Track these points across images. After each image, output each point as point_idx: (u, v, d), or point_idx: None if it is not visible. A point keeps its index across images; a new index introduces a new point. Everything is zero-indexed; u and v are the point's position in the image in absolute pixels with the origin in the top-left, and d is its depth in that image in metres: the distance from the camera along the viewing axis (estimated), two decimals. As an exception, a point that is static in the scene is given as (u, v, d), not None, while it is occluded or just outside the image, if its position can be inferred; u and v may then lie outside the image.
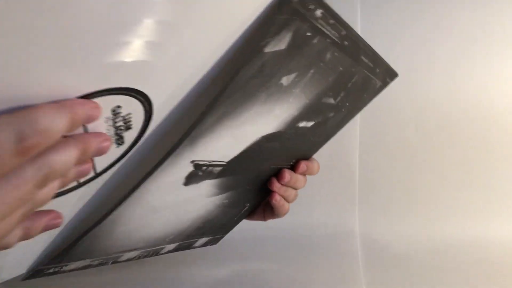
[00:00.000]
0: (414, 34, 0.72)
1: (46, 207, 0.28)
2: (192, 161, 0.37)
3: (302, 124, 0.43)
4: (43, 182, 0.25)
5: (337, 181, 0.78)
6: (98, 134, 0.29)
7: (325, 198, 0.79)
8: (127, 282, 0.63)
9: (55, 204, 0.30)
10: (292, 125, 0.42)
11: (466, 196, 0.75)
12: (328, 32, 0.34)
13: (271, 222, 0.60)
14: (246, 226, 0.64)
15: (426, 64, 0.73)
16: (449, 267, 0.69)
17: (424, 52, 0.72)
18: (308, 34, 0.33)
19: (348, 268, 0.69)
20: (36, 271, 0.40)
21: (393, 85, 0.66)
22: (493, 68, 0.72)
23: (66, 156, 0.26)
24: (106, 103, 0.28)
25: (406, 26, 0.72)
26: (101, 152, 0.29)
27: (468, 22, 0.71)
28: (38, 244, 0.37)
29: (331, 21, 0.34)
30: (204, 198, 0.45)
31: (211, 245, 0.61)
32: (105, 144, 0.29)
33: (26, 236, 0.29)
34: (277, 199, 0.54)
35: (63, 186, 0.29)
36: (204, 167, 0.39)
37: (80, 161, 0.28)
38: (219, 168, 0.41)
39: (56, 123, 0.24)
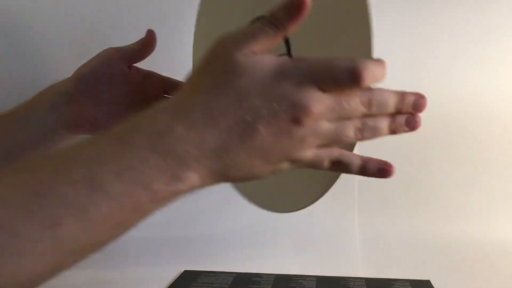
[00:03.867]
0: (414, 34, 0.72)
1: None
2: None
3: None
4: (369, 107, 0.33)
5: (337, 181, 0.77)
6: (416, 93, 0.36)
7: (325, 198, 0.79)
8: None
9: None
10: None
11: (466, 196, 0.75)
12: None
13: (269, 219, 0.60)
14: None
15: (426, 64, 0.73)
16: (449, 266, 0.69)
17: (424, 52, 0.72)
18: None
19: (348, 267, 0.69)
20: None
21: (392, 84, 0.67)
22: (493, 68, 0.73)
23: (388, 96, 0.34)
24: None
25: (406, 26, 0.72)
26: (418, 107, 0.36)
27: (468, 22, 0.71)
28: None
29: None
30: None
31: None
32: (422, 101, 0.36)
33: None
34: None
35: (389, 131, 0.36)
36: None
37: (400, 109, 0.35)
38: None
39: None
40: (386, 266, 0.70)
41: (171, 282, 0.63)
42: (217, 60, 0.33)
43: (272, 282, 0.63)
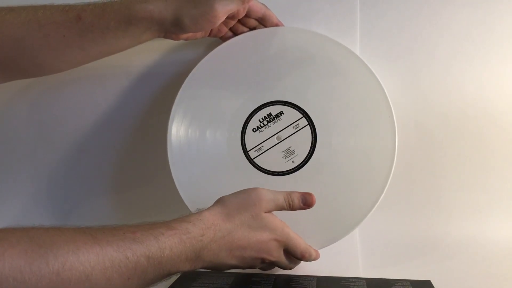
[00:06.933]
0: (414, 34, 0.72)
1: None
2: None
3: None
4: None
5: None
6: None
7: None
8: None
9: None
10: None
11: (466, 196, 0.75)
12: None
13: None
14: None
15: (426, 64, 0.73)
16: (449, 266, 0.69)
17: (424, 52, 0.72)
18: None
19: (349, 268, 0.69)
20: None
21: (393, 84, 0.67)
22: (493, 67, 0.73)
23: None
24: None
25: (405, 26, 0.72)
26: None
27: (468, 21, 0.71)
28: None
29: None
30: None
31: None
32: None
33: None
34: None
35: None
36: None
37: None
38: None
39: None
40: (386, 267, 0.70)
41: (171, 283, 0.63)
42: (250, 210, 0.54)
43: (272, 282, 0.63)
